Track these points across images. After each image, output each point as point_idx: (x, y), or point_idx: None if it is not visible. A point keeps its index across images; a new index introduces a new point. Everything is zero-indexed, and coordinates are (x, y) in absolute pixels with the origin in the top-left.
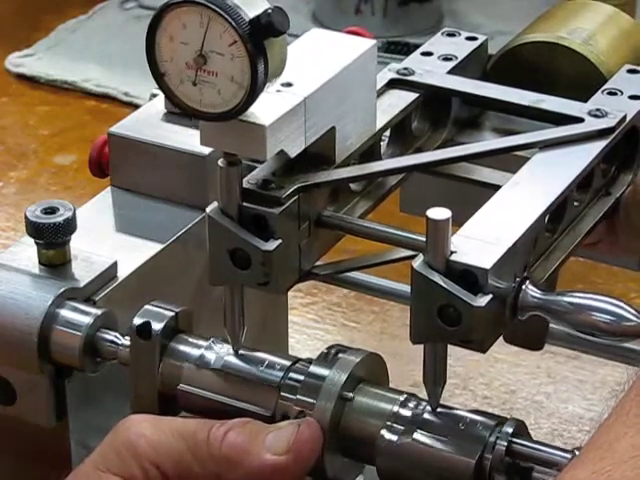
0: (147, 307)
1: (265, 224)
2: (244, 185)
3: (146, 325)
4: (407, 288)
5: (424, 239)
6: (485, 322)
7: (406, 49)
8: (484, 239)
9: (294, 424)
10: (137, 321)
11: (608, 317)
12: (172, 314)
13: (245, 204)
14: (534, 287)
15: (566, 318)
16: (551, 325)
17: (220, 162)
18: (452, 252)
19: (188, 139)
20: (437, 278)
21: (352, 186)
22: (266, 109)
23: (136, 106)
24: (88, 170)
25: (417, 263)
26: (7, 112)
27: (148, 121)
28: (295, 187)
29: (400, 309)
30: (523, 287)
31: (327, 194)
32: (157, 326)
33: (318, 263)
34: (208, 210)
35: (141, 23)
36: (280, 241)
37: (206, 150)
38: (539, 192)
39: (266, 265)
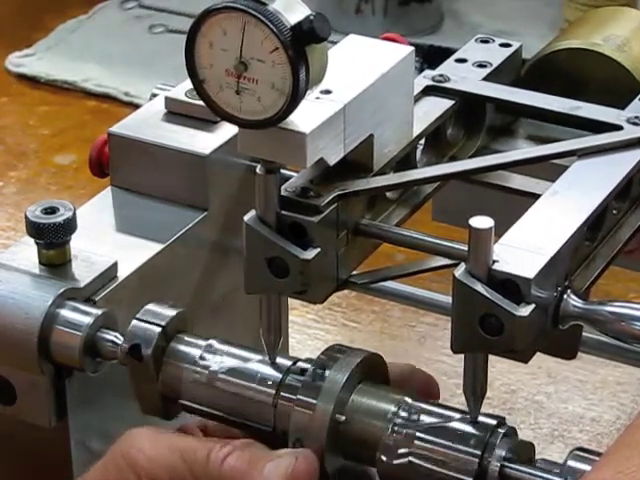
0: (135, 324)
1: (303, 232)
2: (282, 193)
3: (137, 347)
4: (441, 297)
5: (462, 247)
6: (528, 332)
7: None
8: (526, 248)
9: (292, 455)
10: (127, 343)
11: None
12: (160, 329)
13: (283, 212)
14: (575, 296)
15: (608, 328)
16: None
17: (258, 170)
18: (494, 261)
19: (188, 139)
20: (479, 287)
21: (388, 194)
22: (306, 116)
23: (136, 106)
24: (88, 170)
25: (459, 272)
26: (7, 112)
27: (148, 121)
28: (334, 195)
29: (400, 309)
30: (565, 296)
31: (365, 202)
32: (147, 349)
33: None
34: (246, 218)
35: (141, 23)
36: (319, 250)
37: (206, 150)
38: (579, 201)
39: (305, 274)
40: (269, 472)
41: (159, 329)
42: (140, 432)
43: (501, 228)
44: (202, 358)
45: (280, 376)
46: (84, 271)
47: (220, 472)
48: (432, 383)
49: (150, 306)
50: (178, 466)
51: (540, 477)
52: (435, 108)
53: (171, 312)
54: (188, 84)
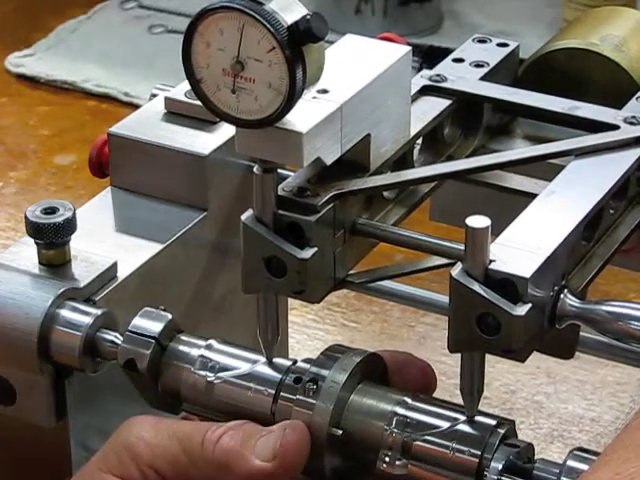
0: (128, 337)
1: (301, 232)
2: (279, 193)
3: (131, 361)
4: (440, 297)
5: (460, 247)
6: (525, 331)
7: None
8: (523, 248)
9: (281, 428)
10: (122, 358)
11: None
12: (154, 342)
13: (280, 212)
14: (572, 296)
15: (604, 327)
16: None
17: (256, 169)
18: (491, 261)
19: (188, 139)
20: (476, 287)
21: (385, 194)
22: (302, 116)
23: (136, 106)
24: (88, 170)
25: (456, 271)
26: (7, 112)
27: (148, 121)
28: (331, 195)
29: (400, 309)
30: (561, 296)
31: (362, 202)
32: (142, 362)
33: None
34: (243, 218)
35: (141, 23)
36: (316, 249)
37: (206, 150)
38: (576, 200)
39: (302, 273)
40: (260, 448)
41: (152, 341)
42: (140, 420)
43: (498, 228)
44: (202, 359)
45: (280, 376)
46: (84, 271)
47: (214, 454)
48: (428, 371)
49: (141, 316)
50: (178, 454)
51: None
52: (432, 108)
53: (163, 320)
54: (187, 84)
